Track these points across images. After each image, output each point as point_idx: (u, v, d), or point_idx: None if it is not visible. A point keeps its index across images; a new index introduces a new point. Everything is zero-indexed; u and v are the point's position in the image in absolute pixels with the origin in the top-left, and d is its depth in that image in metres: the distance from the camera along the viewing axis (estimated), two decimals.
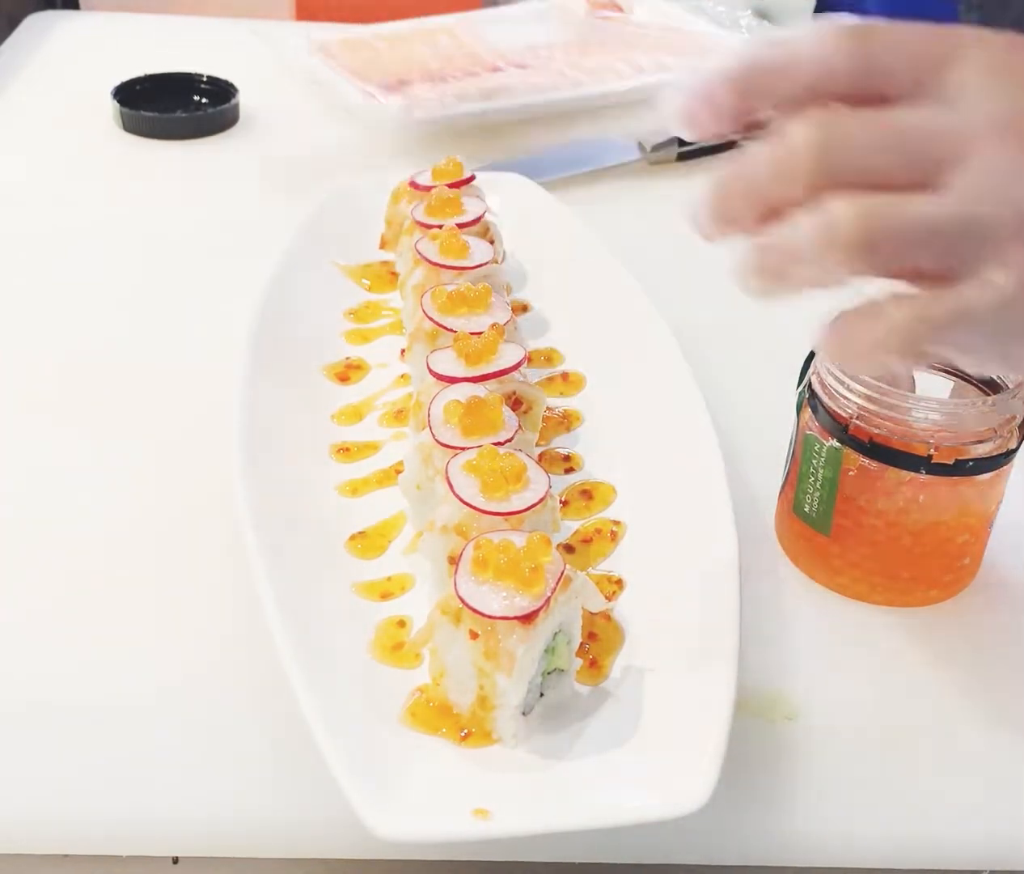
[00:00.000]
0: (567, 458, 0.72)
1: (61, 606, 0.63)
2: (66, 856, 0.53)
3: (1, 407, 0.77)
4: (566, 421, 0.75)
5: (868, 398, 0.61)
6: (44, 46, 1.33)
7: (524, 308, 0.86)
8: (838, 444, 0.62)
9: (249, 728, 0.56)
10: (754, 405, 0.80)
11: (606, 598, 0.59)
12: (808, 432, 0.64)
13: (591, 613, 0.58)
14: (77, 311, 0.88)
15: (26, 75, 1.27)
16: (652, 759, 0.52)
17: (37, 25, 1.38)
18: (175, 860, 0.53)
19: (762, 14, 1.48)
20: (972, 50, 0.49)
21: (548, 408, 0.72)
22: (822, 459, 0.63)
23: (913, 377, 0.64)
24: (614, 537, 0.66)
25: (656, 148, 1.12)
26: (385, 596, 0.62)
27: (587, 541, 0.66)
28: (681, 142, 1.12)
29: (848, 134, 0.48)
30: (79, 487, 0.71)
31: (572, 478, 0.70)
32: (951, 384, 0.65)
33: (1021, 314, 0.48)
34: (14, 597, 0.63)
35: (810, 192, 0.48)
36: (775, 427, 0.79)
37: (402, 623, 0.60)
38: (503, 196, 0.93)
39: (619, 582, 0.63)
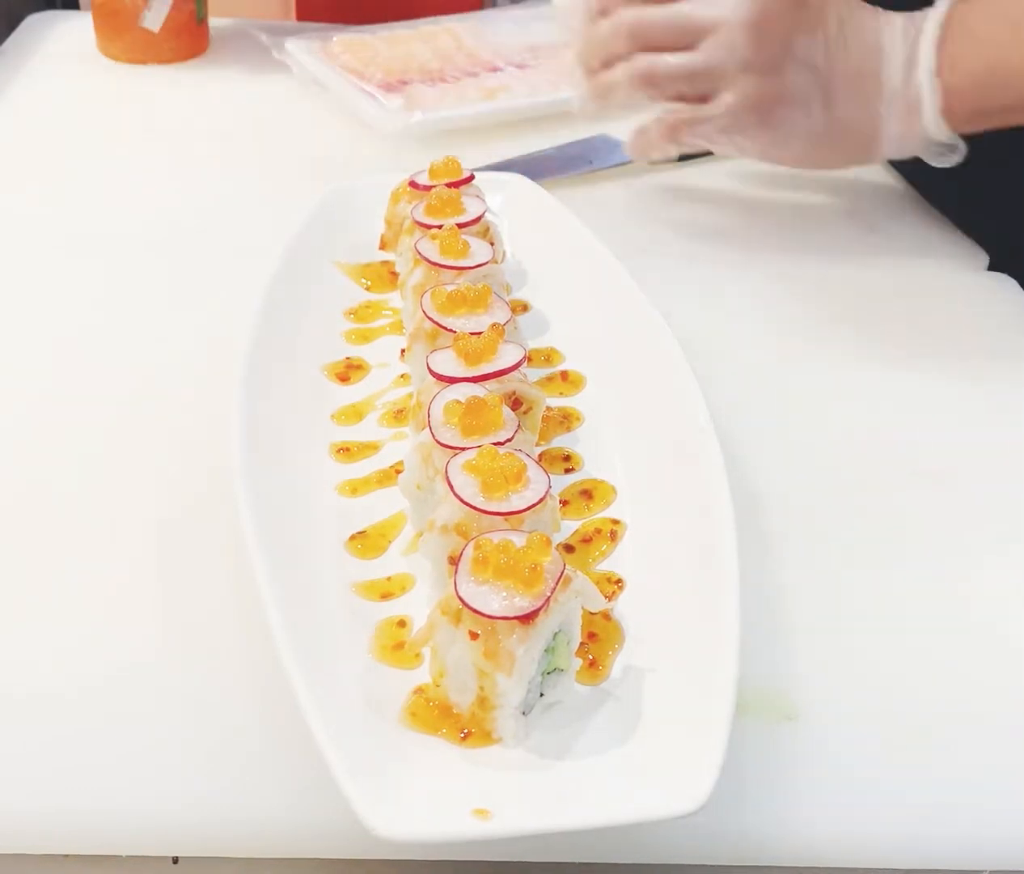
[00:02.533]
0: (567, 458, 0.72)
1: (61, 606, 0.63)
2: (66, 856, 0.53)
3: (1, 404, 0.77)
4: (566, 421, 0.75)
5: None
6: (44, 46, 1.33)
7: (524, 308, 0.86)
8: None
9: (249, 728, 0.56)
10: (754, 404, 0.80)
11: (606, 598, 0.59)
12: None
13: (591, 613, 0.58)
14: (77, 310, 0.88)
15: (26, 75, 1.27)
16: (652, 759, 0.52)
17: (37, 25, 1.38)
18: (175, 860, 0.53)
19: None
20: None
21: (548, 408, 0.72)
22: None
23: None
24: (614, 537, 0.66)
25: None
26: (385, 596, 0.62)
27: (587, 541, 0.65)
28: None
29: (650, 15, 0.92)
30: (77, 489, 0.71)
31: (572, 478, 0.70)
32: None
33: (743, 117, 0.91)
34: (15, 594, 0.63)
35: (627, 50, 0.92)
36: (775, 426, 0.79)
37: (402, 623, 0.60)
38: (503, 196, 0.93)
39: (619, 582, 0.63)
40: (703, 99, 0.92)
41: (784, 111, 0.91)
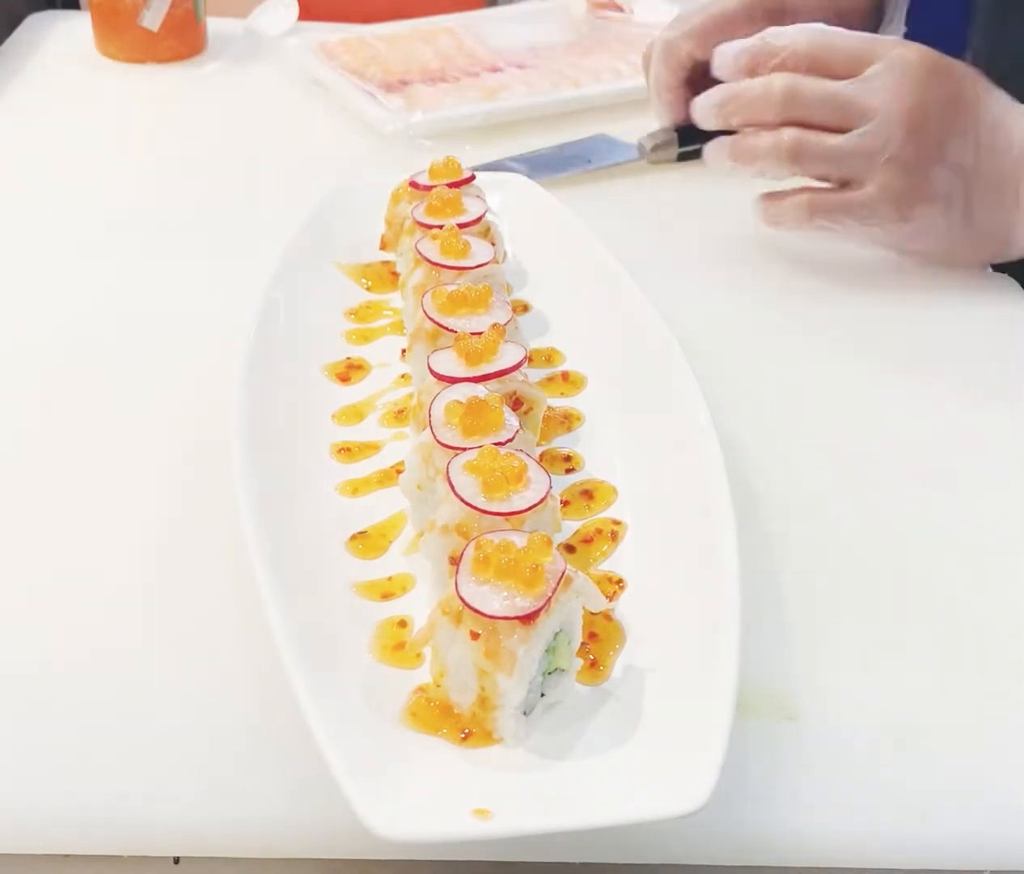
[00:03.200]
0: (568, 458, 0.72)
1: (62, 606, 0.63)
2: (66, 856, 0.53)
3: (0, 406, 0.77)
4: (566, 421, 0.75)
5: None
6: (44, 46, 1.33)
7: (524, 308, 0.86)
8: None
9: (249, 728, 0.56)
10: (754, 404, 0.80)
11: (607, 598, 0.59)
12: None
13: (592, 613, 0.58)
14: (76, 310, 0.88)
15: (26, 75, 1.27)
16: (652, 759, 0.52)
17: (37, 25, 1.38)
18: (175, 860, 0.53)
19: None
20: (890, 52, 0.88)
21: (549, 408, 0.72)
22: None
23: None
24: (615, 537, 0.66)
25: (656, 148, 1.12)
26: (386, 596, 0.61)
27: (588, 541, 0.66)
28: (680, 142, 1.12)
29: (804, 89, 0.88)
30: (76, 489, 0.71)
31: (573, 478, 0.70)
32: None
33: (881, 210, 0.88)
34: (15, 594, 0.63)
35: (776, 120, 0.89)
36: (775, 426, 0.79)
37: (403, 623, 0.60)
38: (503, 196, 0.93)
39: (620, 582, 0.63)
40: (843, 182, 0.89)
41: (924, 209, 0.89)
